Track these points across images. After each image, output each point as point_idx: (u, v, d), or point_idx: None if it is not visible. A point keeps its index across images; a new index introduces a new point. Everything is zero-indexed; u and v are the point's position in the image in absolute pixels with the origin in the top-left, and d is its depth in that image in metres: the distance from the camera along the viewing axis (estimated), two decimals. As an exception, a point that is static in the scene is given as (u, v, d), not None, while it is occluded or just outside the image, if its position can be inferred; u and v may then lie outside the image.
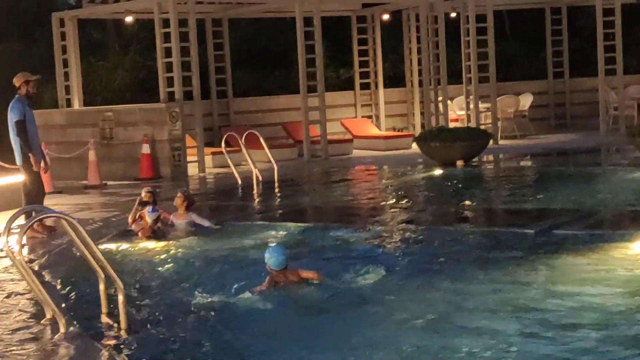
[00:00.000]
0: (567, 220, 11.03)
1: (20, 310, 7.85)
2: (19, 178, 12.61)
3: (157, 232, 11.23)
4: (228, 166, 17.44)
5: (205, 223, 11.75)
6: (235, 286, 8.47)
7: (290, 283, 8.34)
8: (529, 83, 25.93)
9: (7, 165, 15.25)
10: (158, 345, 6.90)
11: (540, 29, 26.26)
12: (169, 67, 19.08)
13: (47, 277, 9.06)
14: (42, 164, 11.97)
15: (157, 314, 7.83)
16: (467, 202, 13.73)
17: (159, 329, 7.34)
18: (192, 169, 19.16)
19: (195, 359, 6.58)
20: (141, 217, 11.34)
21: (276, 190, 15.87)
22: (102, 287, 7.53)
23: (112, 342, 6.92)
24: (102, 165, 18.29)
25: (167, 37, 19.04)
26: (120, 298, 7.14)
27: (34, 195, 11.87)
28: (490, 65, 22.68)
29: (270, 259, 8.36)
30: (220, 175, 18.75)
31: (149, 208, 11.27)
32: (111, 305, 7.53)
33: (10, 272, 9.35)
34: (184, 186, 17.40)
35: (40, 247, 10.90)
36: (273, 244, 9.38)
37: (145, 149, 18.59)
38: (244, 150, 16.78)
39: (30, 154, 11.73)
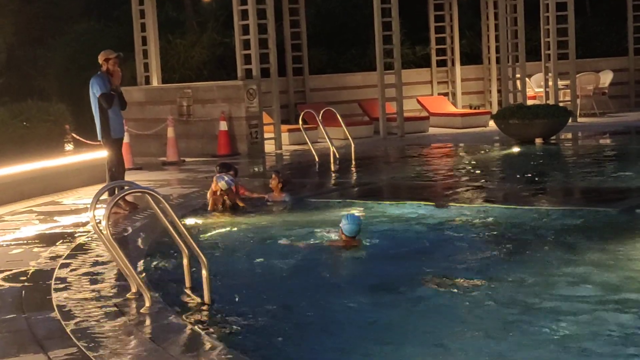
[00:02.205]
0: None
1: (105, 284, 7.96)
2: (101, 154, 12.80)
3: (227, 202, 11.38)
4: (304, 143, 17.47)
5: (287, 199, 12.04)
6: (312, 260, 8.61)
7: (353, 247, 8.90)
8: (609, 60, 25.43)
9: (88, 142, 15.54)
10: (241, 320, 6.95)
11: (621, 3, 25.68)
12: (246, 45, 19.14)
13: (131, 252, 9.18)
14: None
15: (239, 288, 7.90)
16: (547, 181, 13.58)
17: (242, 304, 7.40)
18: (269, 146, 19.24)
19: (277, 335, 6.62)
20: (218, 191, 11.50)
21: (353, 167, 15.84)
22: (185, 262, 7.64)
23: (196, 316, 7.00)
24: (180, 142, 18.50)
25: (244, 14, 19.10)
26: (204, 273, 7.21)
27: (114, 170, 12.05)
28: (570, 42, 22.28)
29: (346, 225, 8.93)
30: (296, 152, 18.81)
31: (219, 175, 11.40)
32: (195, 280, 7.63)
33: (96, 247, 9.51)
34: (260, 163, 17.55)
35: (123, 222, 11.06)
36: (352, 212, 9.52)
37: (223, 126, 18.73)
38: (321, 127, 16.78)
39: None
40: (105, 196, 9.47)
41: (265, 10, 19.19)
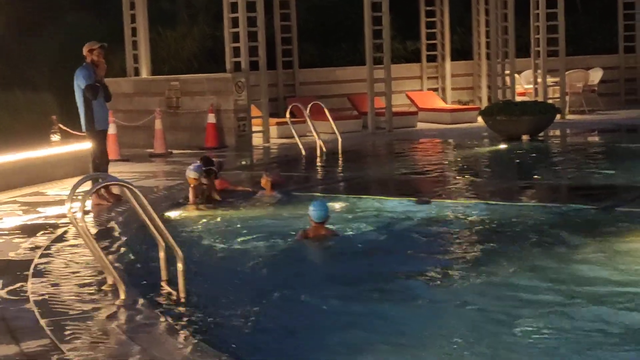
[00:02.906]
0: (631, 197, 10.86)
1: (83, 276, 7.98)
2: (86, 145, 12.79)
3: (203, 194, 11.51)
4: (292, 137, 17.48)
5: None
6: (288, 253, 8.73)
7: (321, 237, 9.15)
8: (599, 57, 25.45)
9: (75, 132, 15.53)
10: (214, 314, 6.99)
11: (613, 1, 25.72)
12: (235, 37, 19.15)
13: (110, 244, 9.21)
14: None
15: (214, 282, 7.94)
16: (533, 177, 13.64)
17: (216, 298, 7.44)
18: (257, 139, 19.25)
19: (248, 330, 6.66)
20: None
21: (339, 161, 15.85)
22: (162, 255, 7.66)
23: (170, 309, 7.03)
24: (168, 134, 18.49)
25: (234, 7, 19.10)
26: (180, 266, 7.24)
27: (98, 161, 12.05)
28: (560, 39, 22.32)
29: (314, 211, 9.13)
30: (284, 146, 18.81)
31: (192, 165, 11.49)
32: (171, 273, 7.64)
33: (77, 238, 9.50)
34: (248, 156, 17.55)
35: (104, 214, 11.07)
36: (318, 200, 9.79)
37: (211, 118, 18.74)
38: (308, 121, 16.79)
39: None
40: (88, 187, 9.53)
41: (255, 3, 19.17)
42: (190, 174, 11.42)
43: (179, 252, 7.24)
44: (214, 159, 12.46)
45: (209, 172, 11.78)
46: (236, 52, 19.15)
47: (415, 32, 24.98)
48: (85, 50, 12.07)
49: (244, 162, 16.70)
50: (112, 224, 10.45)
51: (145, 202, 7.31)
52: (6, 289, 7.59)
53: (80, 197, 7.51)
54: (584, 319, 6.54)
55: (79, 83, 11.87)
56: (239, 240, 9.54)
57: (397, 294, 7.44)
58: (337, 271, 8.33)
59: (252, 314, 7.00)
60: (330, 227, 9.43)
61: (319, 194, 12.31)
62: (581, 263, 8.08)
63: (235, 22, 19.09)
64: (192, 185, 11.49)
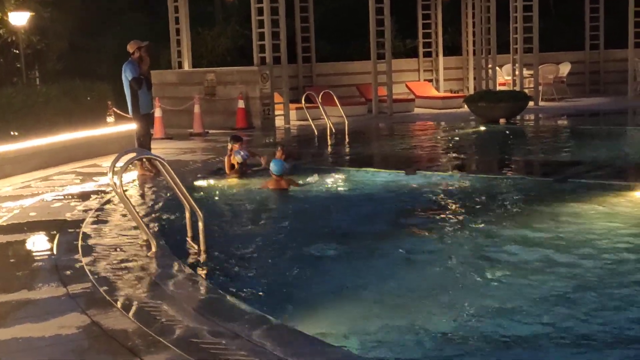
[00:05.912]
0: (583, 170, 10.88)
1: (123, 233, 8.08)
2: (134, 126, 12.92)
3: (243, 172, 11.60)
4: (307, 120, 17.55)
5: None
6: (287, 211, 8.67)
7: (282, 187, 10.23)
8: (568, 53, 25.29)
9: (125, 115, 15.67)
10: (228, 263, 7.12)
11: (580, 6, 25.56)
12: (261, 37, 19.19)
13: (146, 207, 9.33)
14: None
15: (229, 237, 8.06)
16: (500, 154, 13.62)
17: (230, 250, 7.56)
18: (279, 121, 19.33)
19: (253, 275, 6.78)
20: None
21: (345, 140, 15.90)
22: (187, 215, 7.76)
23: (193, 260, 7.16)
24: (205, 117, 18.59)
25: (260, 11, 19.13)
26: (200, 225, 7.34)
27: (142, 139, 12.18)
28: (534, 38, 22.18)
29: (274, 167, 10.22)
30: (301, 127, 18.88)
31: (237, 151, 11.62)
32: (195, 231, 7.74)
33: (120, 202, 9.63)
34: (271, 136, 17.62)
35: (146, 183, 11.20)
36: (276, 159, 10.55)
37: (241, 104, 18.84)
38: (320, 106, 16.86)
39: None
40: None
41: (278, 7, 19.20)
42: (237, 157, 11.62)
43: (200, 213, 7.35)
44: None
45: (237, 139, 12.00)
46: (262, 48, 19.20)
47: (413, 31, 24.93)
48: (132, 48, 12.11)
49: (267, 140, 16.78)
50: (150, 190, 10.56)
51: (172, 172, 7.42)
52: (61, 243, 7.73)
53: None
54: (536, 269, 6.63)
55: (127, 75, 11.97)
56: (251, 203, 9.66)
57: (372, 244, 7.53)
58: (327, 225, 8.39)
59: (256, 263, 7.11)
60: (289, 178, 10.39)
61: (324, 167, 12.39)
62: (532, 223, 8.14)
63: (261, 24, 19.13)
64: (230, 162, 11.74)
